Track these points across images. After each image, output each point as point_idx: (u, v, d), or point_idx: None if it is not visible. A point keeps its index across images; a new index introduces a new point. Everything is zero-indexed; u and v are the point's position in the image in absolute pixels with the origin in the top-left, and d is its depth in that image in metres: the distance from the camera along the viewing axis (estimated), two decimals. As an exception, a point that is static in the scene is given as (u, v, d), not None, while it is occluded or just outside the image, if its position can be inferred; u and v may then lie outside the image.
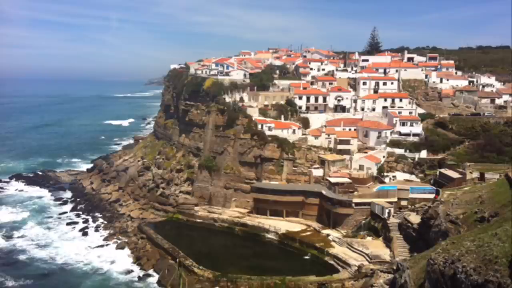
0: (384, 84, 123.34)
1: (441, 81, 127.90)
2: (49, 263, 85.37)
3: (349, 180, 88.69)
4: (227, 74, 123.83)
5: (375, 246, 73.35)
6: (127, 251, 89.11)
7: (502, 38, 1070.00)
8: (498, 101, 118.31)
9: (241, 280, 68.76)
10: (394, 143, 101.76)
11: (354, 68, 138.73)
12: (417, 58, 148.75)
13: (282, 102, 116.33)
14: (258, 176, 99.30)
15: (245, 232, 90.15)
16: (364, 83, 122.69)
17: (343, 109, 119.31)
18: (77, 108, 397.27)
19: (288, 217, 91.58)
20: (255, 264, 75.46)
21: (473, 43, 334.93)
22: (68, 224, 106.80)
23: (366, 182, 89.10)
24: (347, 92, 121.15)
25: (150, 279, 77.35)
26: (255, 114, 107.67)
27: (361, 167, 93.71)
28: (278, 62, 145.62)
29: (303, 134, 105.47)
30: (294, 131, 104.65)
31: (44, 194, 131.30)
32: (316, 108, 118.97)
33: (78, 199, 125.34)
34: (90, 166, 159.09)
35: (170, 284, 72.80)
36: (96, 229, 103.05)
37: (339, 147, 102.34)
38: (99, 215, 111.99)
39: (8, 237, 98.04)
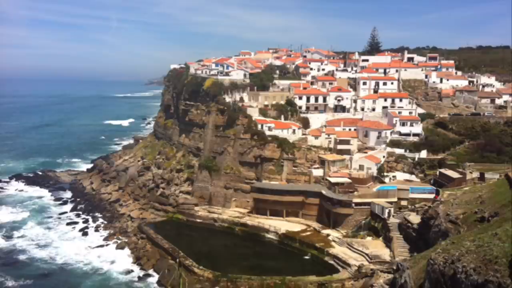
0: (384, 84, 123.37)
1: (441, 81, 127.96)
2: (49, 263, 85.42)
3: (349, 180, 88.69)
4: (227, 74, 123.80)
5: (375, 246, 73.33)
6: (127, 251, 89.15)
7: (502, 38, 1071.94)
8: (498, 101, 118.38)
9: (241, 280, 68.75)
10: (394, 143, 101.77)
11: (354, 68, 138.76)
12: (417, 58, 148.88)
13: (282, 102, 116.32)
14: (258, 176, 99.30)
15: (245, 232, 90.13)
16: (364, 83, 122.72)
17: (343, 109, 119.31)
18: (77, 108, 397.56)
19: (288, 217, 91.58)
20: (255, 264, 75.47)
21: (473, 43, 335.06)
22: (68, 224, 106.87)
23: (366, 182, 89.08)
24: (347, 92, 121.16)
25: (150, 279, 77.38)
26: (255, 114, 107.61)
27: (361, 167, 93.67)
28: (278, 62, 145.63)
29: (303, 134, 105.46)
30: (294, 131, 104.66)
31: (44, 194, 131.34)
32: (316, 108, 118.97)
33: (78, 199, 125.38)
34: (90, 166, 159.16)
35: (170, 284, 72.83)
36: (96, 229, 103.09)
37: (339, 147, 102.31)
38: (99, 215, 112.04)
39: (8, 237, 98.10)
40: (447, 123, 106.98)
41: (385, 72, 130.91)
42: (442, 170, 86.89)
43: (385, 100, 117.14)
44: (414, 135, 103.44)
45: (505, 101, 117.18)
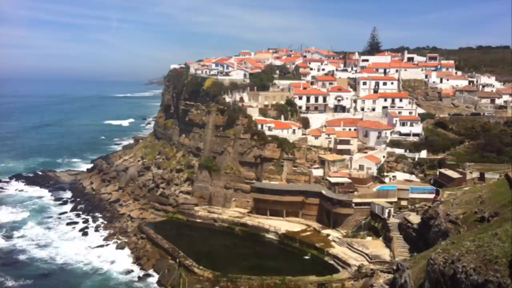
0: (384, 84, 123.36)
1: (441, 81, 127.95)
2: (49, 263, 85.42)
3: (349, 180, 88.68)
4: (227, 74, 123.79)
5: (375, 246, 73.34)
6: (127, 251, 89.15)
7: (502, 38, 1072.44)
8: (498, 101, 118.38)
9: (241, 280, 68.77)
10: (394, 143, 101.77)
11: (354, 68, 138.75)
12: (417, 58, 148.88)
13: (282, 102, 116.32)
14: (258, 176, 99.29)
15: (245, 232, 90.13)
16: (364, 83, 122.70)
17: (343, 109, 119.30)
18: (77, 108, 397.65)
19: (288, 217, 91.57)
20: (255, 264, 75.48)
21: (473, 43, 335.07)
22: (68, 224, 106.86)
23: (366, 182, 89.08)
24: (347, 92, 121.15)
25: (150, 279, 77.38)
26: (255, 114, 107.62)
27: (361, 167, 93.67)
28: (278, 62, 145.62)
29: (303, 134, 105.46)
30: (294, 131, 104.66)
31: (44, 194, 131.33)
32: (316, 108, 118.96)
33: (78, 199, 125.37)
34: (90, 166, 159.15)
35: (170, 284, 72.84)
36: (96, 229, 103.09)
37: (339, 147, 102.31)
38: (99, 215, 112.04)
39: (8, 237, 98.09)
40: (447, 123, 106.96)
41: (385, 72, 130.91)
42: (442, 170, 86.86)
43: (385, 100, 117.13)
44: (414, 135, 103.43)
45: (505, 101, 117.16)
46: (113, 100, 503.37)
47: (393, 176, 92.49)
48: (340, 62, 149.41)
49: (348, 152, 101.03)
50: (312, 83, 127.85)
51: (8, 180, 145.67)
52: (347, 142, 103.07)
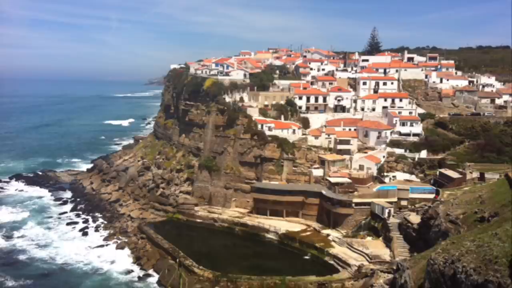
0: (384, 84, 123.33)
1: (441, 81, 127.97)
2: (49, 263, 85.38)
3: (349, 180, 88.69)
4: (227, 74, 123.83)
5: (375, 246, 73.36)
6: (127, 251, 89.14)
7: (502, 38, 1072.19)
8: (498, 101, 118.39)
9: (241, 280, 68.80)
10: (394, 143, 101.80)
11: (354, 68, 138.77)
12: (417, 58, 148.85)
13: (282, 102, 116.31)
14: (258, 176, 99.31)
15: (245, 232, 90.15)
16: (364, 83, 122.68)
17: (343, 109, 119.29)
18: (77, 108, 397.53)
19: (288, 217, 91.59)
20: (255, 264, 75.52)
21: (473, 43, 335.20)
22: (68, 224, 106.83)
23: (366, 182, 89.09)
24: (347, 92, 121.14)
25: (150, 279, 77.40)
26: (255, 114, 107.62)
27: (361, 167, 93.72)
28: (278, 62, 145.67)
29: (303, 134, 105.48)
30: (294, 131, 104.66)
31: (44, 194, 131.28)
32: (316, 108, 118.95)
33: (78, 199, 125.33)
34: (90, 166, 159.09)
35: (170, 284, 72.88)
36: (96, 229, 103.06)
37: (339, 147, 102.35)
38: (99, 215, 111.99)
39: (8, 237, 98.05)
40: (447, 123, 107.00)
41: (385, 72, 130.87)
42: (442, 170, 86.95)
43: (385, 100, 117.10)
44: (414, 135, 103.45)
45: (505, 101, 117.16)
46: (113, 100, 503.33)
47: (393, 176, 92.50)
48: (340, 62, 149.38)
49: (348, 152, 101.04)
50: (312, 83, 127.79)
51: (8, 180, 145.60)
52: (347, 142, 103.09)
